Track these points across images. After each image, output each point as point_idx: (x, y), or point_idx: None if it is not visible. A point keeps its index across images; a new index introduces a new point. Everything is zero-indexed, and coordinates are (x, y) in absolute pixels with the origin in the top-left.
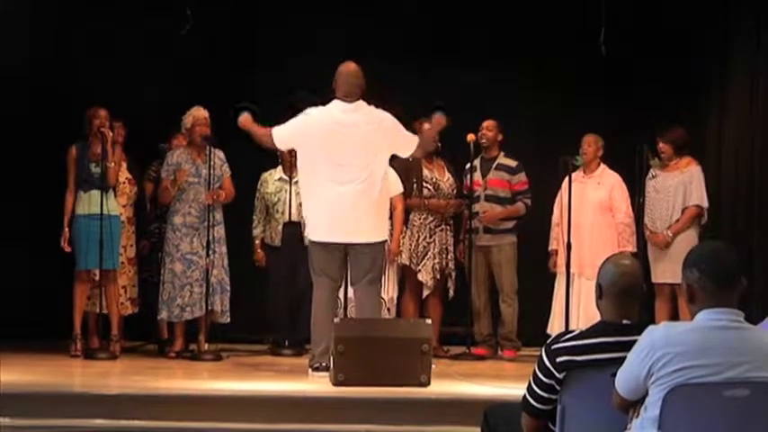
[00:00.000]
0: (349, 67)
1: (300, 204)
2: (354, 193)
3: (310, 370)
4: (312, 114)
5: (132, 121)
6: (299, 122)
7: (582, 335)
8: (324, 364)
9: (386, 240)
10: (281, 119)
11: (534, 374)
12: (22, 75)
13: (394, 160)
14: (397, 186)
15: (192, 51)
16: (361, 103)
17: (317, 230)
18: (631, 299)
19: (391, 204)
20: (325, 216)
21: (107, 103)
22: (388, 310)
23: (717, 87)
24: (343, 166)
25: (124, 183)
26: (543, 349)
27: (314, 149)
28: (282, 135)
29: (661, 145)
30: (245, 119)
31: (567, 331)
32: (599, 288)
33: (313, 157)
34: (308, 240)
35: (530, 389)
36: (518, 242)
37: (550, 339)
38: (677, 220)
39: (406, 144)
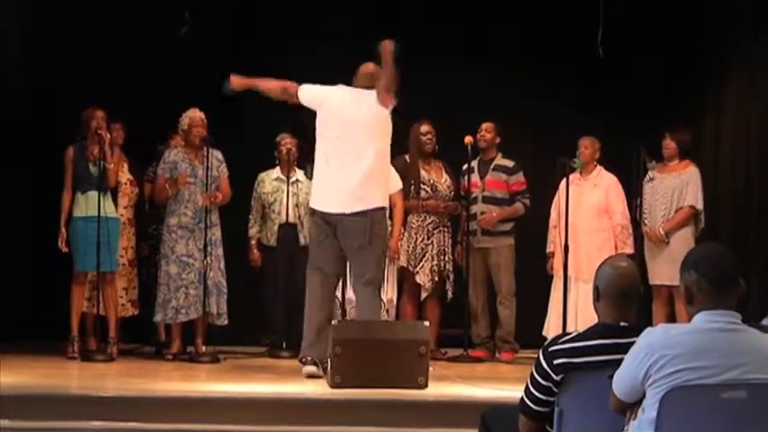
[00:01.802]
0: (368, 68)
1: (297, 205)
2: (352, 167)
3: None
4: (332, 88)
5: (131, 123)
6: (323, 89)
7: (579, 337)
8: (309, 358)
9: (380, 209)
10: (283, 119)
11: (532, 377)
12: (21, 75)
13: (393, 159)
14: (396, 183)
15: (191, 52)
16: (374, 92)
17: (315, 199)
18: (629, 301)
19: (391, 201)
20: (323, 187)
21: (106, 104)
22: (387, 311)
23: (715, 88)
24: (343, 139)
25: (126, 184)
26: (541, 351)
27: (324, 117)
28: (309, 92)
29: (668, 141)
30: (237, 79)
31: (565, 333)
32: (596, 290)
33: (323, 125)
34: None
35: (527, 391)
36: (516, 244)
37: (548, 341)
38: (670, 219)
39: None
